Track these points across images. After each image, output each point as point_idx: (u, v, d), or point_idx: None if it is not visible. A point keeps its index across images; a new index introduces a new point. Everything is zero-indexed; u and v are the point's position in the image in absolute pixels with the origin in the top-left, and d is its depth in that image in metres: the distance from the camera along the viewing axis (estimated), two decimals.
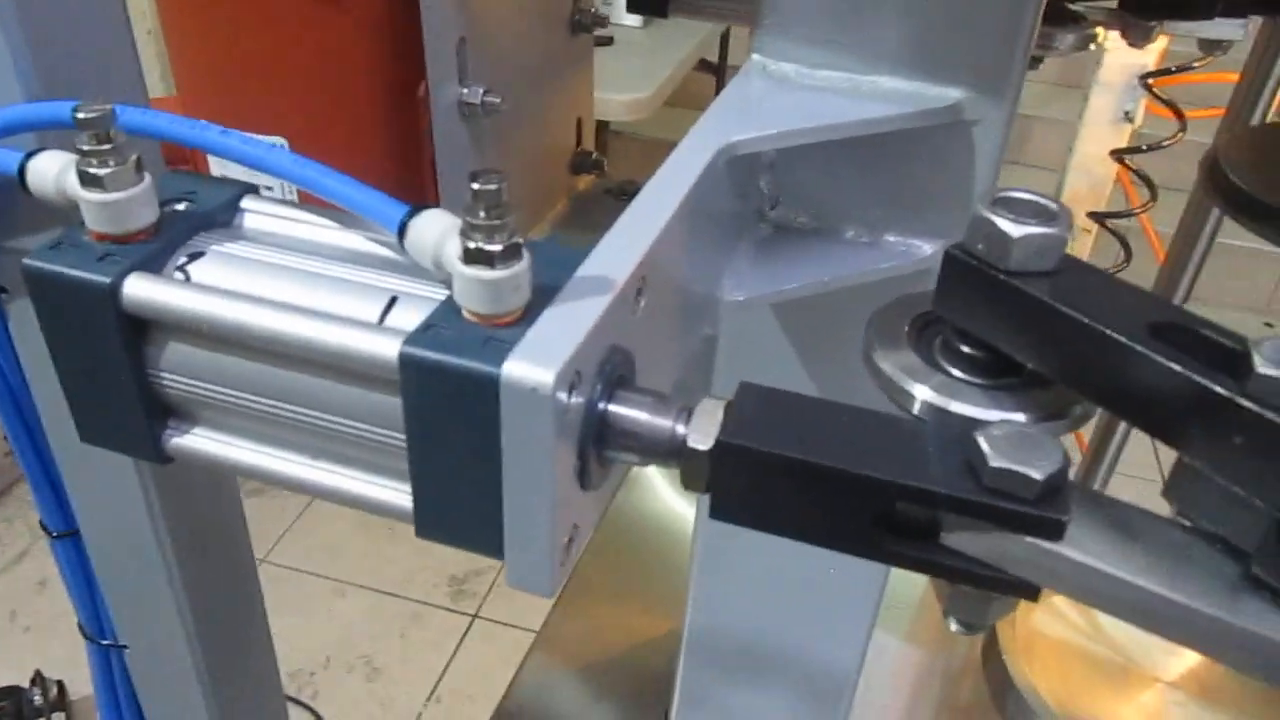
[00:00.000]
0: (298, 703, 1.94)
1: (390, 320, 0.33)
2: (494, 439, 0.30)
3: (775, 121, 0.46)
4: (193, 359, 0.35)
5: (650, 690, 0.98)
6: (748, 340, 0.62)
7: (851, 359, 0.56)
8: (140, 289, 0.33)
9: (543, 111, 0.67)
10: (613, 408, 0.33)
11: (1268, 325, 2.66)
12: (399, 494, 0.35)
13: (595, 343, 0.32)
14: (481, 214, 0.30)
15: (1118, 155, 1.45)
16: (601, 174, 0.76)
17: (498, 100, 0.56)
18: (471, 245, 0.30)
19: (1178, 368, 0.31)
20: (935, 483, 0.30)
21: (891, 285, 0.53)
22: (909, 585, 1.01)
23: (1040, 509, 0.29)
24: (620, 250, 0.35)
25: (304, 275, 0.35)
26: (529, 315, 0.31)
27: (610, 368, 0.33)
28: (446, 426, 0.31)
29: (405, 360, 0.30)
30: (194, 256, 0.35)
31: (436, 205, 0.34)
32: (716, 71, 2.81)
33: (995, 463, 0.29)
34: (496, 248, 0.30)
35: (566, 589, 1.13)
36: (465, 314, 0.31)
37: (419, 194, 0.60)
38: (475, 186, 0.30)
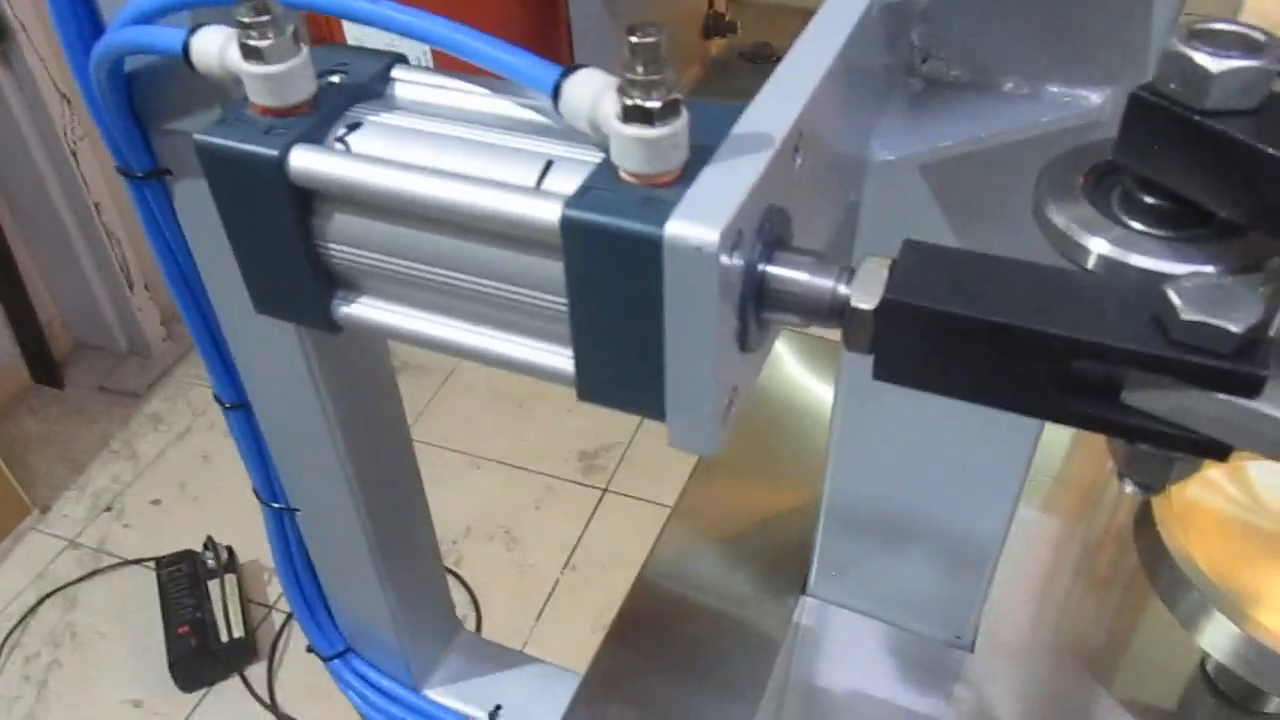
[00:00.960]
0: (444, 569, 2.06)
1: (547, 184, 0.33)
2: (656, 301, 0.30)
3: None
4: (357, 228, 0.36)
5: (788, 559, 1.00)
6: (895, 204, 0.60)
7: (1011, 222, 0.53)
8: (305, 160, 0.34)
9: None
10: (772, 269, 0.33)
11: None
12: (561, 358, 0.35)
13: (756, 201, 0.31)
14: (640, 69, 0.29)
15: None
16: (735, 36, 0.73)
17: None
18: (630, 102, 0.30)
19: None
20: (1120, 338, 0.28)
21: (1054, 141, 0.50)
22: (1046, 456, 0.99)
23: (1237, 363, 0.27)
24: (776, 107, 0.34)
25: (459, 142, 0.35)
26: (688, 174, 0.31)
27: (769, 227, 0.32)
28: (609, 289, 0.31)
29: (566, 223, 0.30)
30: (352, 127, 0.36)
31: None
32: None
33: (1187, 315, 0.27)
34: (655, 104, 0.29)
35: (698, 464, 1.14)
36: (624, 174, 0.31)
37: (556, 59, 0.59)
38: (634, 40, 0.29)
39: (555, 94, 0.33)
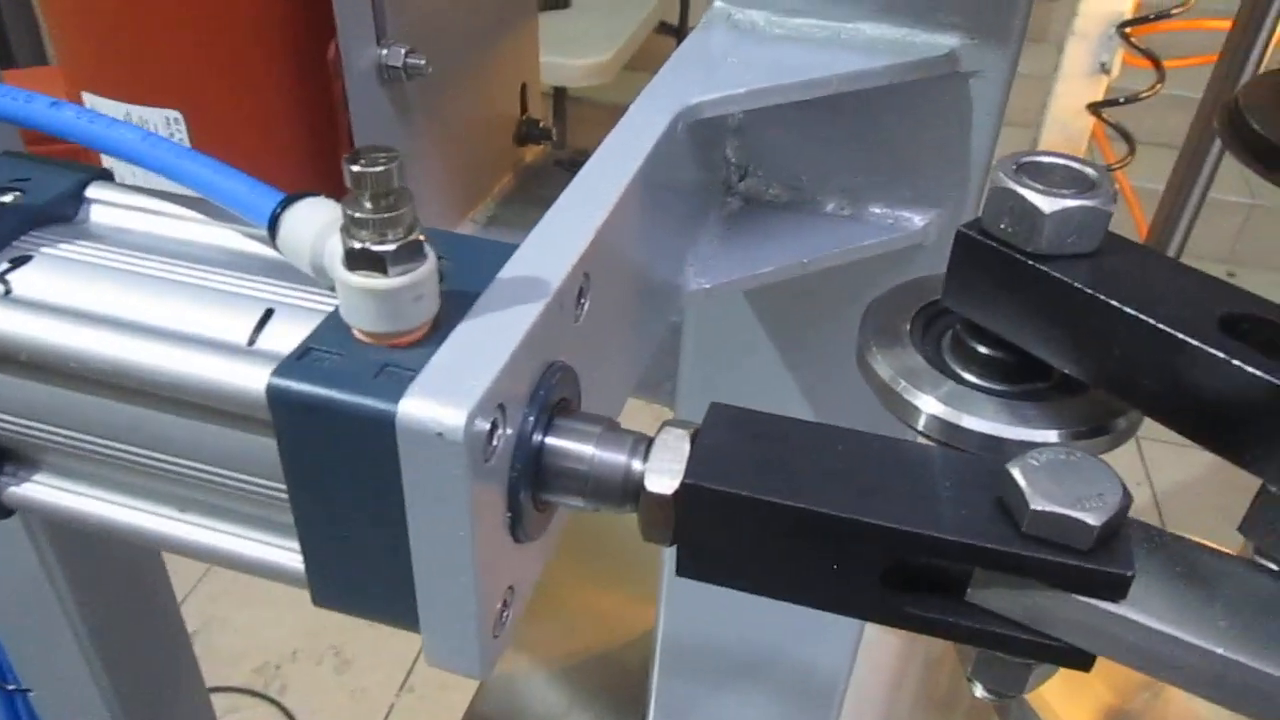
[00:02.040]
0: (264, 698, 1.87)
1: (263, 340, 0.26)
2: (395, 491, 0.24)
3: (742, 78, 0.39)
4: (21, 393, 0.28)
5: (628, 689, 0.93)
6: (718, 330, 0.55)
7: (837, 349, 0.49)
8: None
9: (480, 76, 0.59)
10: (551, 441, 0.27)
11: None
12: (289, 554, 0.28)
13: (524, 363, 0.25)
14: (367, 204, 0.23)
15: (1095, 108, 1.39)
16: (551, 143, 0.69)
17: (422, 62, 0.48)
18: (356, 245, 0.23)
19: (1257, 371, 0.24)
20: (960, 531, 0.23)
21: (878, 265, 0.47)
22: None
23: (1097, 562, 0.23)
24: (557, 242, 0.28)
25: (158, 283, 0.28)
26: (437, 332, 0.25)
27: (546, 391, 0.26)
28: (336, 476, 0.24)
29: (275, 395, 0.23)
30: (18, 263, 0.28)
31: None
32: (677, 33, 2.72)
33: (1038, 505, 0.23)
34: (388, 247, 0.23)
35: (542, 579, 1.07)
36: (356, 332, 0.25)
37: (334, 176, 0.53)
38: (355, 169, 0.23)
39: (272, 227, 0.26)
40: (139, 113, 0.51)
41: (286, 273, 0.28)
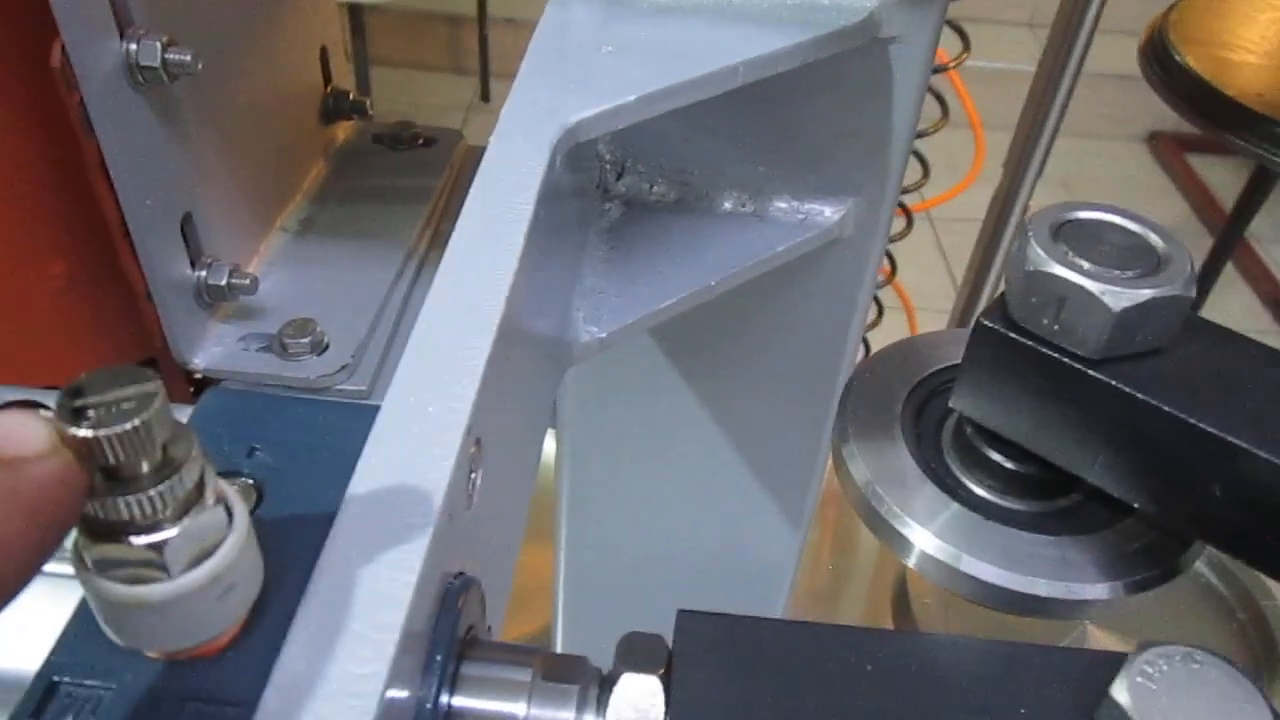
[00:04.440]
0: None
1: None
2: None
3: (627, 78, 0.30)
4: None
5: None
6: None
7: (744, 365, 0.43)
8: None
9: (266, 50, 0.47)
10: (462, 703, 0.18)
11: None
12: None
13: (417, 627, 0.16)
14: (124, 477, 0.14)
15: None
16: (365, 117, 0.57)
17: (188, 57, 0.36)
18: (104, 551, 0.14)
19: None
20: None
21: (789, 272, 0.39)
22: None
23: None
24: (430, 407, 0.19)
25: None
26: (261, 617, 0.15)
27: (448, 633, 0.18)
28: None
29: None
30: None
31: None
32: None
33: None
34: (164, 534, 0.14)
35: None
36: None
37: (90, 219, 0.40)
38: (81, 433, 0.13)
39: None
40: None
41: None
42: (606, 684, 0.19)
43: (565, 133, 0.27)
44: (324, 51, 0.54)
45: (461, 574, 0.19)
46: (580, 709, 0.18)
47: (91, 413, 0.13)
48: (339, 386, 0.44)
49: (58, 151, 0.38)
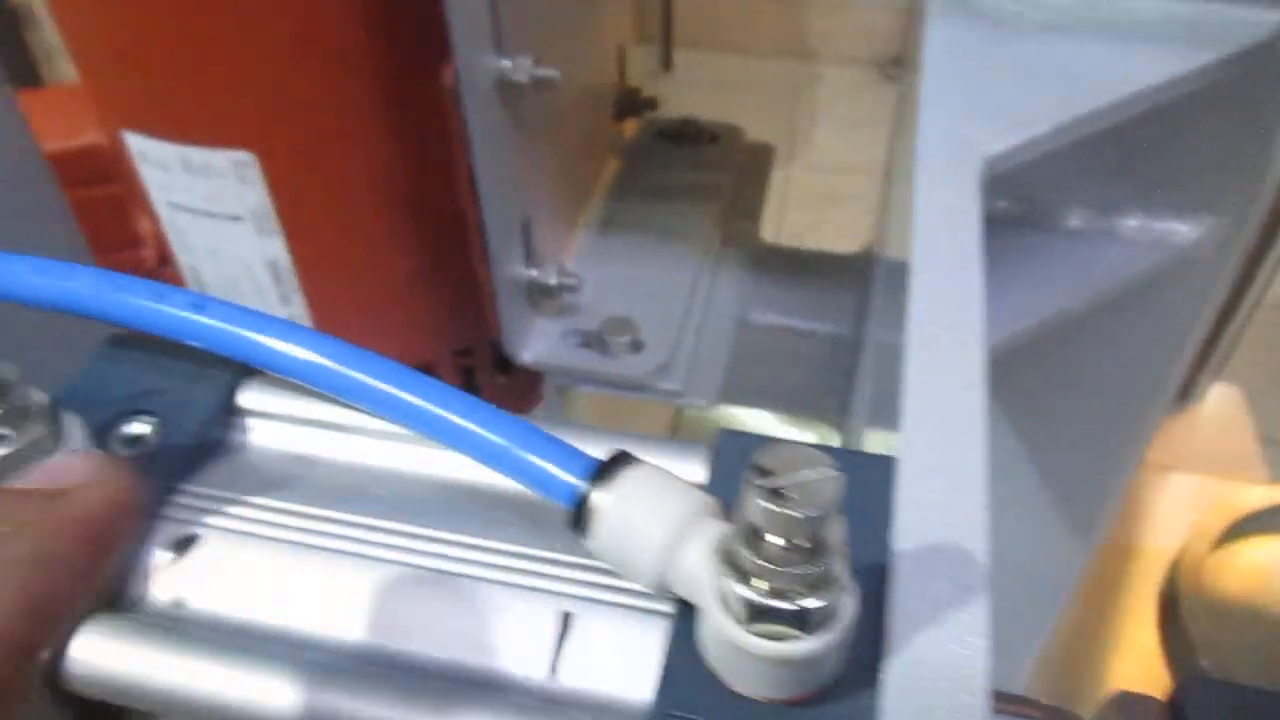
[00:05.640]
0: None
1: (568, 666, 0.18)
2: None
3: (1033, 106, 0.29)
4: None
5: None
6: None
7: (1064, 399, 0.42)
8: (91, 653, 0.18)
9: (583, 54, 0.49)
10: None
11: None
12: None
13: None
14: (777, 544, 0.15)
15: None
16: (654, 112, 0.59)
17: (555, 73, 0.38)
18: (760, 599, 0.15)
19: None
20: None
21: (1132, 298, 0.38)
22: None
23: None
24: (947, 468, 0.20)
25: (386, 572, 0.19)
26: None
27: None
28: None
29: None
30: (183, 547, 0.20)
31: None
32: None
33: None
34: (811, 603, 0.15)
35: None
36: (737, 687, 0.17)
37: (437, 221, 0.43)
38: (765, 505, 0.14)
39: (578, 515, 0.18)
40: (199, 156, 0.41)
41: (539, 523, 0.20)
42: None
43: (983, 164, 0.28)
44: (621, 50, 0.56)
45: None
46: None
47: (788, 491, 0.14)
48: (657, 385, 0.46)
49: (423, 161, 0.40)
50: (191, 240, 0.46)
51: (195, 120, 0.40)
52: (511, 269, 0.43)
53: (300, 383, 0.20)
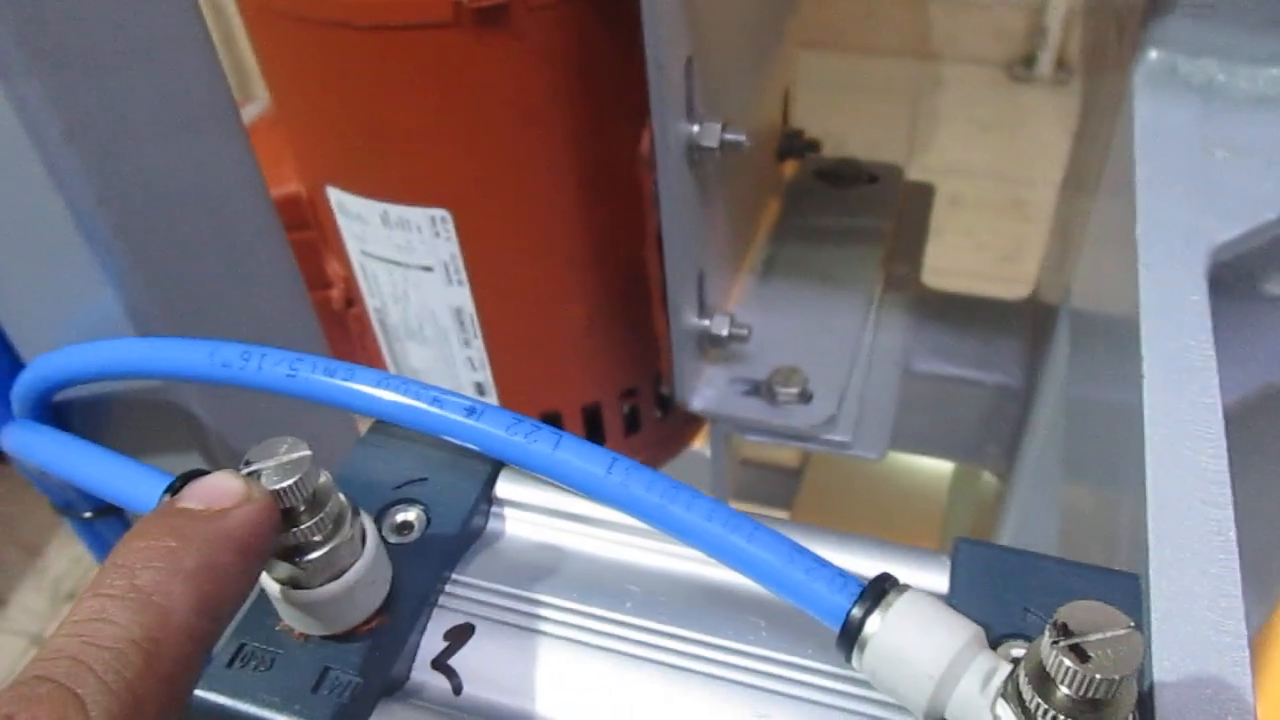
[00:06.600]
0: None
1: None
2: None
3: (1255, 197, 0.29)
4: None
5: None
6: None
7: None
8: None
9: (755, 102, 0.50)
10: None
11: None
12: None
13: None
14: (1063, 691, 0.15)
15: None
16: (816, 153, 0.59)
17: (742, 138, 0.39)
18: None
19: None
20: None
21: None
22: None
23: None
24: (1204, 594, 0.20)
25: (659, 674, 0.21)
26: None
27: None
28: None
29: None
30: (459, 638, 0.21)
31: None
32: None
33: None
34: None
35: None
36: None
37: (613, 273, 0.45)
38: (1070, 657, 0.15)
39: (847, 636, 0.19)
40: (397, 212, 0.43)
41: (787, 625, 0.21)
42: None
43: (1210, 254, 0.27)
44: (786, 94, 0.56)
45: None
46: None
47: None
48: (826, 437, 0.47)
49: (613, 219, 0.42)
50: (381, 286, 0.48)
51: (397, 181, 0.43)
52: (687, 320, 0.44)
53: (572, 490, 0.21)
